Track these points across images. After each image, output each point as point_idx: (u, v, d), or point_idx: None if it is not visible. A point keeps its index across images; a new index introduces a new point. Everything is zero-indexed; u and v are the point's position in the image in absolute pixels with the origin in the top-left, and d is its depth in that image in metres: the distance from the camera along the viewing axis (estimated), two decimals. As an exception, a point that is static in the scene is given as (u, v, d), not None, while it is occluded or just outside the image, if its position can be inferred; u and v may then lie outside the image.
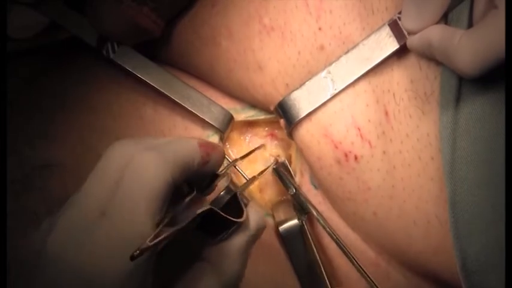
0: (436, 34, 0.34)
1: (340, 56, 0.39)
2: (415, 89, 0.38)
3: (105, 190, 0.29)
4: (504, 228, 0.34)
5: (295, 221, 0.43)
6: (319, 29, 0.39)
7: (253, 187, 0.47)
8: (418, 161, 0.38)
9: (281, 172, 0.44)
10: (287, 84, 0.41)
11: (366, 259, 0.43)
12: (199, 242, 0.33)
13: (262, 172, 0.42)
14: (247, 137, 0.48)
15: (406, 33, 0.37)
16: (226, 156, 0.36)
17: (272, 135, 0.48)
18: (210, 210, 0.30)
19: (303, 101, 0.40)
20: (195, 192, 0.33)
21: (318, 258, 0.42)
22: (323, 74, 0.39)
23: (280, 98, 0.41)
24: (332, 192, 0.42)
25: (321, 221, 0.42)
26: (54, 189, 0.44)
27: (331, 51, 0.39)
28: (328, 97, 0.39)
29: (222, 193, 0.35)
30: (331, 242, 0.42)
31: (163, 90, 0.43)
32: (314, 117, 0.40)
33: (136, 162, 0.30)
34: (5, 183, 0.36)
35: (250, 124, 0.48)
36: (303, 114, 0.40)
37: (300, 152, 0.44)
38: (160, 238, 0.26)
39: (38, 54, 0.47)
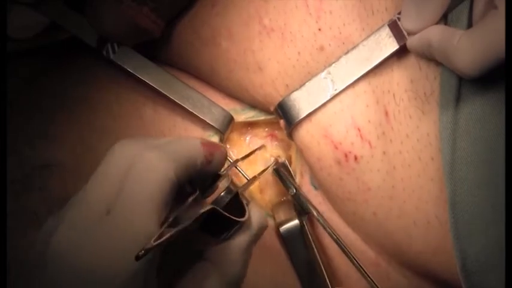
0: (435, 34, 0.34)
1: (340, 57, 0.39)
2: (415, 89, 0.38)
3: (109, 189, 0.29)
4: (504, 228, 0.34)
5: (295, 222, 0.43)
6: (319, 29, 0.39)
7: (253, 188, 0.47)
8: (418, 161, 0.38)
9: (281, 172, 0.44)
10: (287, 85, 0.41)
11: (366, 259, 0.43)
12: (201, 241, 0.33)
13: (262, 172, 0.43)
14: (247, 138, 0.48)
15: (405, 33, 0.37)
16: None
17: (272, 136, 0.48)
18: (212, 210, 0.30)
19: (302, 102, 0.40)
20: (198, 192, 0.33)
21: (319, 258, 0.42)
22: (323, 74, 0.39)
23: (280, 99, 0.41)
24: (332, 192, 0.42)
25: (321, 221, 0.42)
26: (54, 189, 0.44)
27: (331, 52, 0.40)
28: (328, 98, 0.39)
29: (222, 193, 0.35)
30: (332, 242, 0.42)
31: (163, 91, 0.43)
32: (314, 118, 0.40)
33: (140, 161, 0.30)
34: (5, 183, 0.36)
35: (250, 125, 0.48)
36: (302, 114, 0.40)
37: (300, 152, 0.44)
38: (164, 238, 0.27)
39: (38, 54, 0.47)
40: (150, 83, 0.43)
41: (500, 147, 0.35)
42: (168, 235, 0.27)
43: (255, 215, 0.35)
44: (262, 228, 0.35)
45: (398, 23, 0.37)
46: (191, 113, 0.44)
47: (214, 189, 0.36)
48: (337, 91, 0.39)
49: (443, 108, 0.36)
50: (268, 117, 0.46)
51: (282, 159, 0.46)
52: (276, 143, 0.48)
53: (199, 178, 0.33)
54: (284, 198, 0.47)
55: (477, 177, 0.35)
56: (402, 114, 0.38)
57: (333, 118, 0.40)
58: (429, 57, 0.36)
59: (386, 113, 0.39)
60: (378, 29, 0.38)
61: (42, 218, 0.43)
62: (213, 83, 0.46)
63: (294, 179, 0.45)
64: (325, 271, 0.42)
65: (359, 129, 0.39)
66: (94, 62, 0.46)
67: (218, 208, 0.30)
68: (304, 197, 0.43)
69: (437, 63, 0.37)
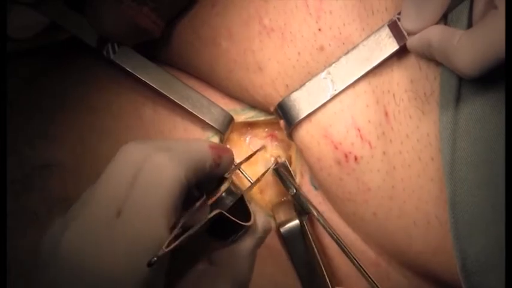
0: (435, 34, 0.34)
1: (340, 57, 0.39)
2: (415, 89, 0.38)
3: (119, 191, 0.29)
4: (504, 228, 0.34)
5: (296, 222, 0.43)
6: (319, 29, 0.39)
7: (253, 188, 0.47)
8: (418, 161, 0.38)
9: (281, 172, 0.44)
10: (287, 85, 0.41)
11: (366, 259, 0.43)
12: (207, 245, 0.33)
13: (264, 173, 0.42)
14: (247, 138, 0.48)
15: (405, 33, 0.37)
16: None
17: (272, 136, 0.48)
18: (219, 214, 0.30)
19: (302, 102, 0.40)
20: (205, 196, 0.32)
21: (319, 258, 0.42)
22: (323, 74, 0.39)
23: (280, 99, 0.41)
24: (332, 193, 0.42)
25: (322, 221, 0.42)
26: (54, 189, 0.44)
27: (331, 52, 0.39)
28: (328, 98, 0.39)
29: (223, 194, 0.35)
30: (332, 242, 0.42)
31: (163, 91, 0.43)
32: (314, 118, 0.40)
33: (151, 162, 0.29)
34: (5, 183, 0.36)
35: (250, 125, 0.48)
36: (302, 115, 0.40)
37: (300, 153, 0.44)
38: (175, 244, 0.27)
39: (38, 54, 0.47)
40: (150, 83, 0.43)
41: (500, 147, 0.35)
42: (178, 241, 0.27)
43: (259, 217, 0.35)
44: (267, 231, 0.35)
45: (398, 23, 0.37)
46: (191, 113, 0.44)
47: (217, 192, 0.36)
48: (337, 91, 0.39)
49: (443, 109, 0.36)
50: (268, 117, 0.46)
51: (282, 159, 0.46)
52: (276, 143, 0.48)
53: (207, 181, 0.33)
54: (284, 198, 0.47)
55: (477, 177, 0.35)
56: (402, 114, 0.38)
57: (333, 118, 0.40)
58: (429, 57, 0.36)
59: (386, 113, 0.39)
60: (378, 29, 0.38)
61: (42, 218, 0.43)
62: (213, 83, 0.46)
63: (294, 179, 0.45)
64: (325, 271, 0.42)
65: (359, 130, 0.39)
66: (94, 62, 0.46)
67: (225, 213, 0.30)
68: (304, 197, 0.43)
69: (437, 63, 0.37)
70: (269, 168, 0.44)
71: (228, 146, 0.47)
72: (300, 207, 0.43)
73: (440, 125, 0.36)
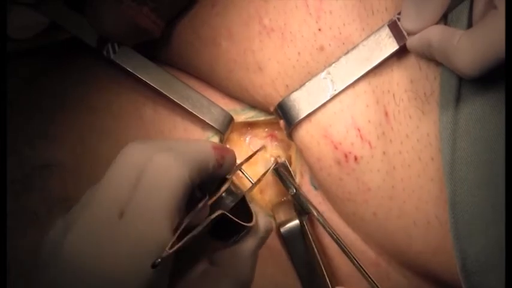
0: (435, 34, 0.34)
1: (340, 57, 0.39)
2: (415, 89, 0.38)
3: (121, 192, 0.29)
4: (504, 228, 0.34)
5: (296, 222, 0.43)
6: (319, 29, 0.39)
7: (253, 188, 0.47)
8: (418, 161, 0.38)
9: (281, 172, 0.44)
10: (287, 85, 0.41)
11: (366, 259, 0.43)
12: (209, 245, 0.33)
13: (264, 174, 0.42)
14: (247, 138, 0.48)
15: (405, 33, 0.37)
16: None
17: (272, 136, 0.48)
18: (222, 215, 0.30)
19: (302, 102, 0.40)
20: (207, 197, 0.32)
21: (319, 258, 0.42)
22: (323, 74, 0.39)
23: (280, 99, 0.41)
24: (332, 193, 0.42)
25: (321, 221, 0.42)
26: (54, 189, 0.44)
27: (331, 52, 0.39)
28: (328, 98, 0.39)
29: (223, 194, 0.35)
30: (332, 242, 0.42)
31: (163, 91, 0.43)
32: (314, 118, 0.40)
33: (154, 162, 0.29)
34: (5, 183, 0.36)
35: (250, 125, 0.48)
36: (302, 115, 0.40)
37: (300, 153, 0.44)
38: (179, 245, 0.27)
39: (38, 54, 0.47)
40: (150, 83, 0.43)
41: (500, 147, 0.35)
42: (182, 242, 0.27)
43: (261, 218, 0.34)
44: (269, 231, 0.35)
45: (398, 23, 0.37)
46: (191, 113, 0.44)
47: (218, 193, 0.36)
48: (337, 91, 0.39)
49: (443, 109, 0.36)
50: (268, 117, 0.46)
51: (282, 159, 0.46)
52: (276, 143, 0.48)
53: (209, 181, 0.33)
54: (284, 198, 0.47)
55: (477, 177, 0.35)
56: (402, 114, 0.38)
57: (333, 118, 0.40)
58: (429, 57, 0.36)
59: (386, 113, 0.39)
60: (378, 29, 0.38)
61: (42, 218, 0.43)
62: (213, 83, 0.46)
63: (294, 179, 0.45)
64: (325, 271, 0.42)
65: (359, 130, 0.39)
66: (94, 62, 0.46)
67: (228, 213, 0.30)
68: (304, 197, 0.43)
69: (437, 63, 0.37)
70: (269, 168, 0.44)
71: (228, 146, 0.47)
72: (300, 207, 0.43)
73: (440, 125, 0.36)
